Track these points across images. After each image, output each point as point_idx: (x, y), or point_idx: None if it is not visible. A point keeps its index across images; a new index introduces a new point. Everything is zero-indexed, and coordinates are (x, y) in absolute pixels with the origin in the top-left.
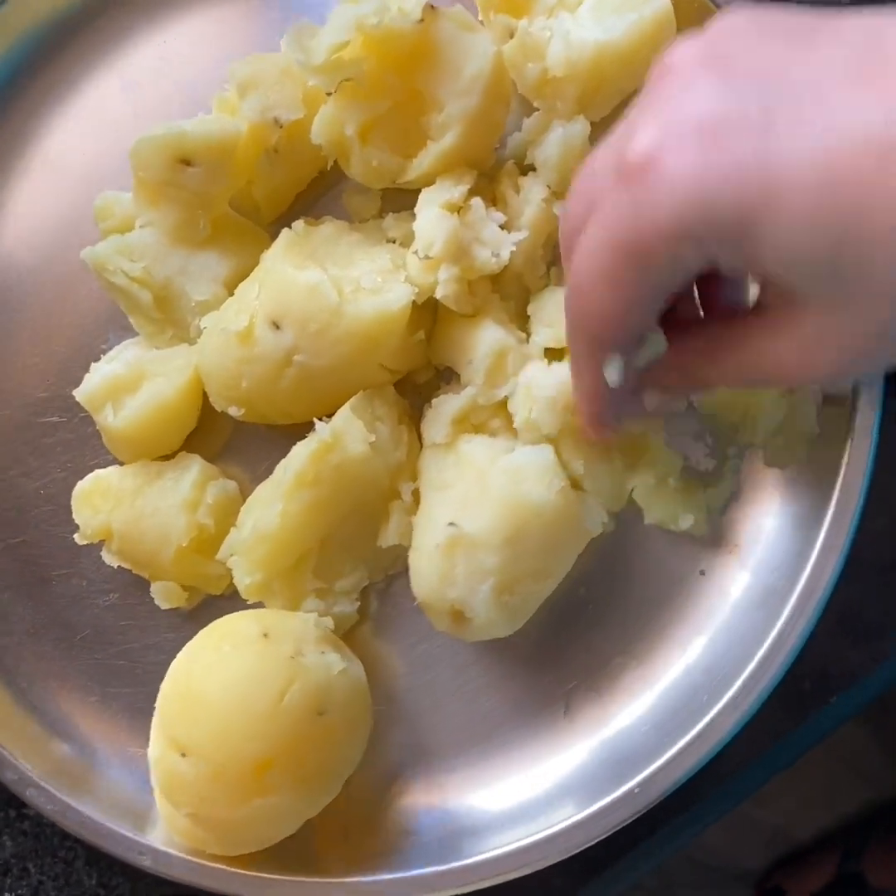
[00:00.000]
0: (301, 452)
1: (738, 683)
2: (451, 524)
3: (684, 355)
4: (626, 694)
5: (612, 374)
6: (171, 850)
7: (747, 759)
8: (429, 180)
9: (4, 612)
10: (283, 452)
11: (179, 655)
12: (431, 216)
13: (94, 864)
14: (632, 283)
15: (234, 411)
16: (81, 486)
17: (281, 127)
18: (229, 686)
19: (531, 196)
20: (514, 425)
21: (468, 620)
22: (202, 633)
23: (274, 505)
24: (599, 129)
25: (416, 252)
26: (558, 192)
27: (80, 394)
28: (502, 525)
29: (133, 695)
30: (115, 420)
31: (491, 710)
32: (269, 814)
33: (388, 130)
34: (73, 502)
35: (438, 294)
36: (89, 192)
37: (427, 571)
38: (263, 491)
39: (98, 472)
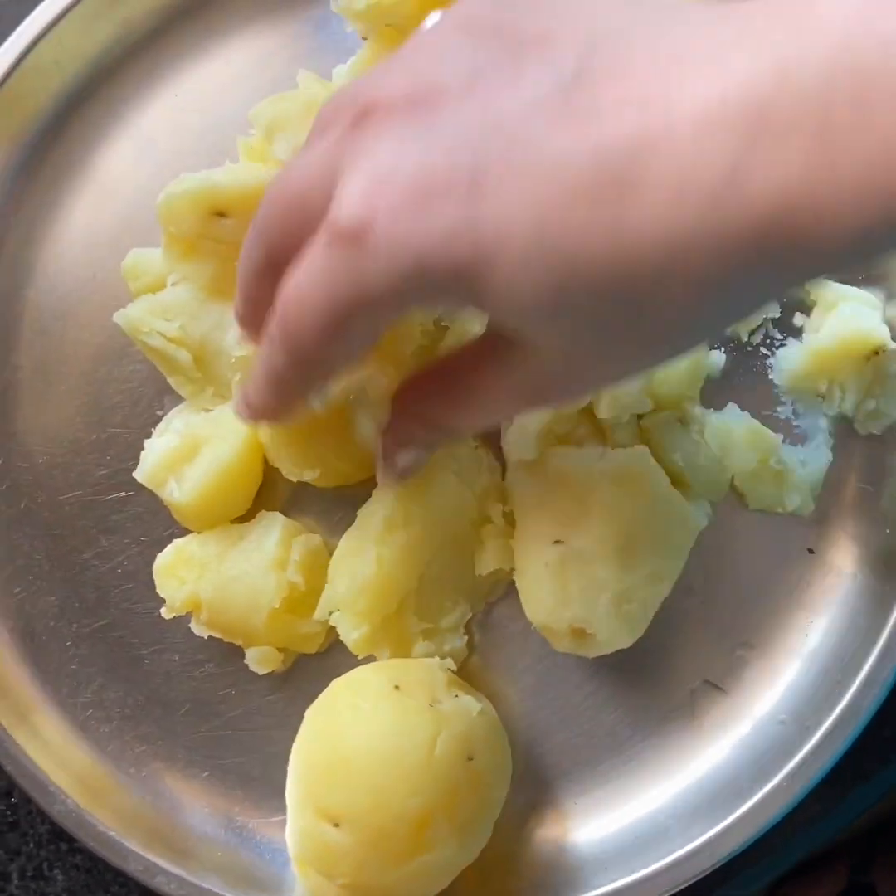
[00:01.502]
0: (386, 494)
1: (872, 658)
2: (557, 542)
3: (422, 403)
4: (754, 686)
5: (316, 402)
6: None
7: (825, 808)
8: None
9: (99, 699)
10: (351, 500)
11: (309, 720)
12: None
13: None
14: (352, 330)
15: (308, 476)
16: (162, 559)
17: None
18: (377, 744)
19: None
20: (601, 419)
21: (590, 636)
22: (327, 693)
23: (367, 552)
24: None
25: None
26: None
27: (140, 475)
28: (611, 534)
29: (245, 764)
30: (181, 494)
31: (615, 724)
32: (430, 870)
33: None
34: (155, 576)
35: None
36: (119, 256)
37: (539, 593)
38: (350, 541)
39: (177, 541)
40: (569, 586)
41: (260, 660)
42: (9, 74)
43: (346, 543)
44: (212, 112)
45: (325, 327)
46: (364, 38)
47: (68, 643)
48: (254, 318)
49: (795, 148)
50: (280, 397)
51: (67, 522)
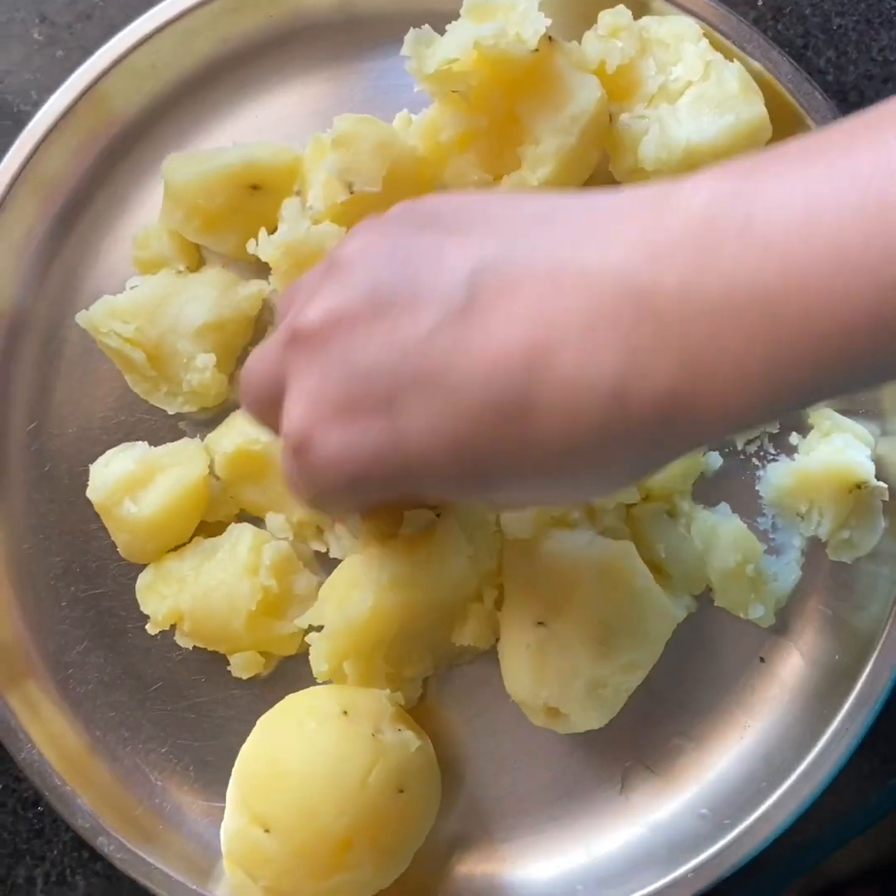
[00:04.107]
0: (402, 554)
1: (795, 775)
2: (540, 624)
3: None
4: (683, 776)
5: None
6: None
7: (806, 837)
8: None
9: (82, 662)
10: None
11: (258, 730)
12: None
13: None
14: (335, 506)
15: None
16: (143, 579)
17: (352, 193)
18: (316, 763)
19: None
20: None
21: (564, 716)
22: (279, 708)
23: (366, 598)
24: None
25: None
26: None
27: (93, 494)
28: (591, 622)
29: (201, 748)
30: (139, 510)
31: (549, 782)
32: (347, 888)
33: (482, 147)
34: (138, 595)
35: None
36: None
37: (519, 671)
38: (353, 570)
39: (152, 564)
40: (547, 668)
41: (243, 665)
42: (108, 70)
43: (349, 572)
44: (287, 132)
45: (312, 504)
46: (433, 99)
47: (64, 603)
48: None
49: (671, 352)
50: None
51: (83, 493)
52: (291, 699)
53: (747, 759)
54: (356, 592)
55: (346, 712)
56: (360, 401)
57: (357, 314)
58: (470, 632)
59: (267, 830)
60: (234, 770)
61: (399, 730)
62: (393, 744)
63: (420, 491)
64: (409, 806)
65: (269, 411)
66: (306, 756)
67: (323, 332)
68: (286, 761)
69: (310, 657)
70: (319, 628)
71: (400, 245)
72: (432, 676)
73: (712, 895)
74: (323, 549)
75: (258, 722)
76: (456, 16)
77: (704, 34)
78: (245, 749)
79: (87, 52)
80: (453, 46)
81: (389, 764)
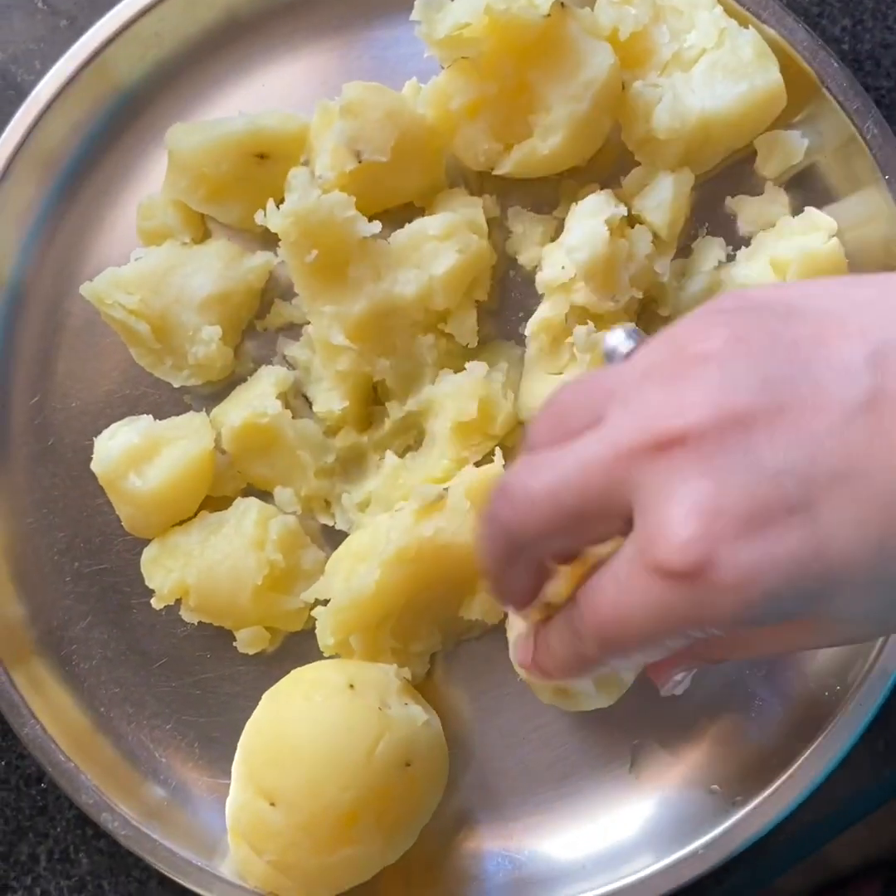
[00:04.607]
0: (408, 526)
1: (809, 752)
2: (547, 604)
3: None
4: (693, 752)
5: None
6: (241, 884)
7: (818, 815)
8: (525, 175)
9: (86, 637)
10: None
11: (264, 704)
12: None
13: (167, 886)
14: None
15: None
16: (148, 553)
17: (360, 162)
18: (322, 736)
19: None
20: None
21: (572, 695)
22: (286, 681)
23: (371, 571)
24: (700, 180)
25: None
26: (666, 242)
27: (97, 466)
28: None
29: (206, 724)
30: (144, 483)
31: (558, 759)
32: (353, 863)
33: (492, 115)
34: (143, 570)
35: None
36: None
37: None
38: (359, 544)
39: (157, 538)
40: None
41: (249, 641)
42: (112, 39)
43: (356, 545)
44: (294, 102)
45: (649, 641)
46: (443, 66)
47: (68, 579)
48: (516, 600)
49: None
50: (585, 672)
51: (87, 467)
52: (298, 672)
53: (759, 736)
54: (363, 566)
55: (352, 686)
56: (771, 508)
57: (754, 411)
58: (478, 606)
59: (272, 804)
60: (240, 743)
61: (405, 704)
62: (399, 717)
63: (814, 611)
64: (415, 780)
65: (560, 530)
66: (312, 729)
67: (715, 432)
68: (292, 734)
69: (316, 631)
70: (326, 603)
71: (776, 336)
72: (440, 652)
73: (719, 874)
74: (330, 523)
75: (264, 695)
76: None
77: (719, 1)
78: (251, 722)
79: (91, 21)
80: (464, 11)
81: (395, 737)
